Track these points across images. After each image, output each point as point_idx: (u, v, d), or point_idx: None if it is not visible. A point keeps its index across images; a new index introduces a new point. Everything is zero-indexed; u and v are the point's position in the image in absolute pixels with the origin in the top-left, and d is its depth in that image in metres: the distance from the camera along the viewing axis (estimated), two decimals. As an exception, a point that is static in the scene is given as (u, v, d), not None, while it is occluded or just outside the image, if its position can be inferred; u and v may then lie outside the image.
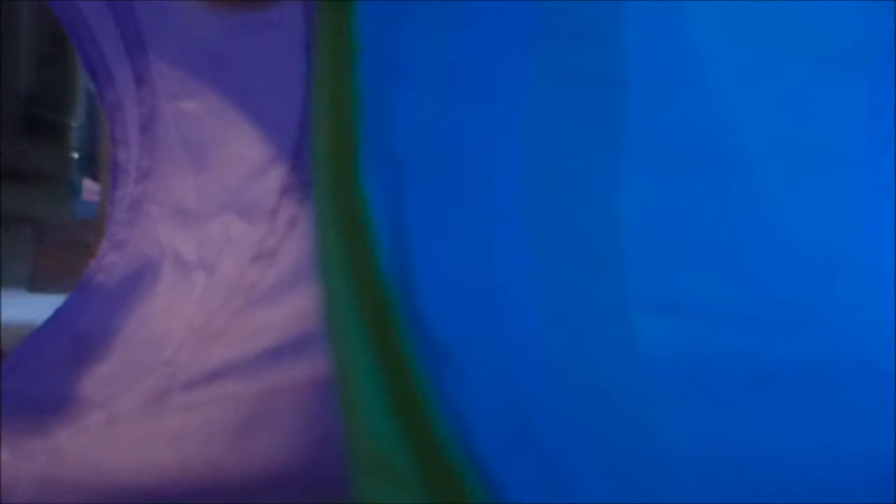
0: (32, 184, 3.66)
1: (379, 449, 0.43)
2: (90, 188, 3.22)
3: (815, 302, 0.46)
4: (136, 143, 0.92)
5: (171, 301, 0.79)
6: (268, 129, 0.78)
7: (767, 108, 0.49)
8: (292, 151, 0.76)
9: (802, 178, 0.48)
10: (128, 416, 0.69)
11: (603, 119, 0.50)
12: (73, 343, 0.87)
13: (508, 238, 0.48)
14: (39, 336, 0.92)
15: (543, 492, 0.43)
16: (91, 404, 0.71)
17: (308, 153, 0.62)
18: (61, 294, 2.87)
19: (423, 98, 0.45)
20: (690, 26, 0.48)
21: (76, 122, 3.32)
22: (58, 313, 0.93)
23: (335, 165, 0.44)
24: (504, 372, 0.45)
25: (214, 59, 0.80)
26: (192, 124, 0.85)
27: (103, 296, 0.89)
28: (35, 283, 2.91)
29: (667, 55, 0.49)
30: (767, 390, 0.45)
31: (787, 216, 0.47)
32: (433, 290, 0.43)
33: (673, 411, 0.46)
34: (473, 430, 0.42)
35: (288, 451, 0.67)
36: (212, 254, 0.78)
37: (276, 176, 0.76)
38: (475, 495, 0.41)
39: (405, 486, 0.43)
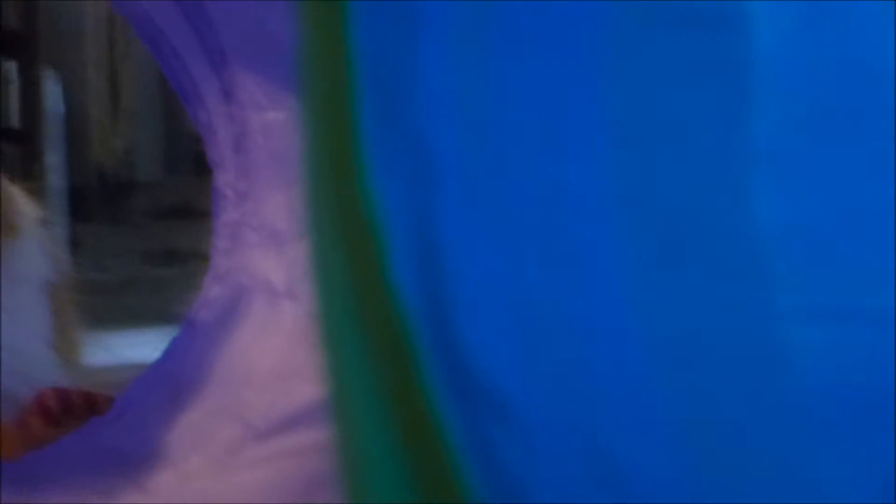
0: (205, 221, 3.72)
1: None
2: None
3: None
4: (231, 163, 0.85)
5: (260, 336, 0.70)
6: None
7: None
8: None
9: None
10: (198, 474, 0.60)
11: (720, 73, 0.36)
12: (172, 388, 0.80)
13: (595, 243, 0.34)
14: (144, 380, 0.85)
15: None
16: (165, 460, 0.63)
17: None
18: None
19: (458, 56, 0.33)
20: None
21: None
22: (164, 355, 0.86)
23: (327, 150, 0.32)
24: (591, 431, 0.32)
25: (290, 60, 0.71)
26: (279, 136, 0.76)
27: (201, 334, 0.82)
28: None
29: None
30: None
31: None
32: (480, 319, 0.31)
33: (846, 450, 0.32)
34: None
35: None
36: (300, 280, 0.69)
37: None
38: None
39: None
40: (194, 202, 4.02)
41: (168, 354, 0.86)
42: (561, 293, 0.33)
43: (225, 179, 0.87)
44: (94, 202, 4.00)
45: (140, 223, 3.94)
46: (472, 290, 0.32)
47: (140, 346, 2.28)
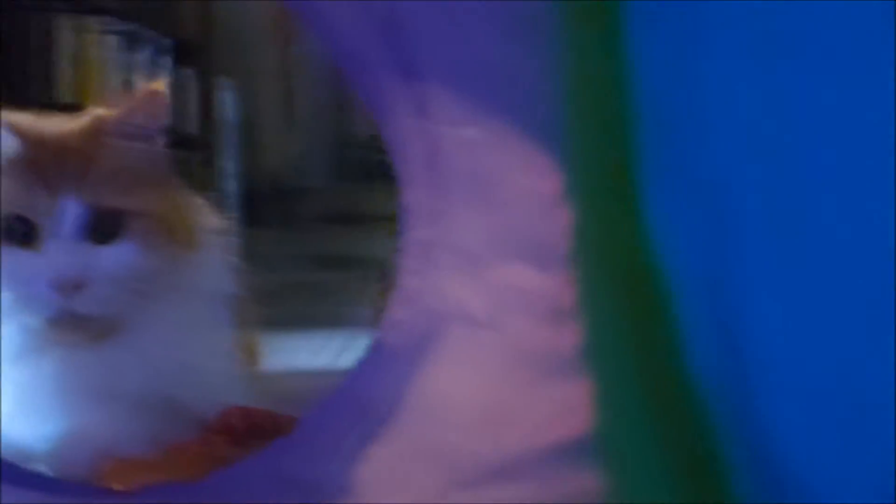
0: (372, 227, 3.74)
1: None
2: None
3: None
4: (422, 180, 0.81)
5: (458, 369, 0.66)
6: (555, 155, 0.62)
7: None
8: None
9: None
10: (397, 522, 0.56)
11: None
12: (359, 413, 0.76)
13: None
14: (329, 404, 0.82)
15: None
16: (355, 498, 0.59)
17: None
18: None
19: (748, 80, 0.28)
20: None
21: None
22: (349, 377, 0.83)
23: (598, 185, 0.28)
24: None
25: (488, 76, 0.66)
26: (476, 154, 0.71)
27: (391, 359, 0.78)
28: (378, 323, 2.94)
29: None
30: None
31: None
32: (791, 390, 0.26)
33: None
34: None
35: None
36: (501, 310, 0.64)
37: (571, 214, 0.60)
38: None
39: None
40: (363, 208, 4.05)
41: (354, 378, 0.83)
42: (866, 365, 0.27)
43: (415, 196, 0.83)
44: (266, 207, 4.08)
45: (311, 228, 4.00)
46: (779, 357, 0.27)
47: (311, 351, 2.29)
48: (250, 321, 1.17)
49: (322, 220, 4.04)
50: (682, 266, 0.27)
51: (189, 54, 3.75)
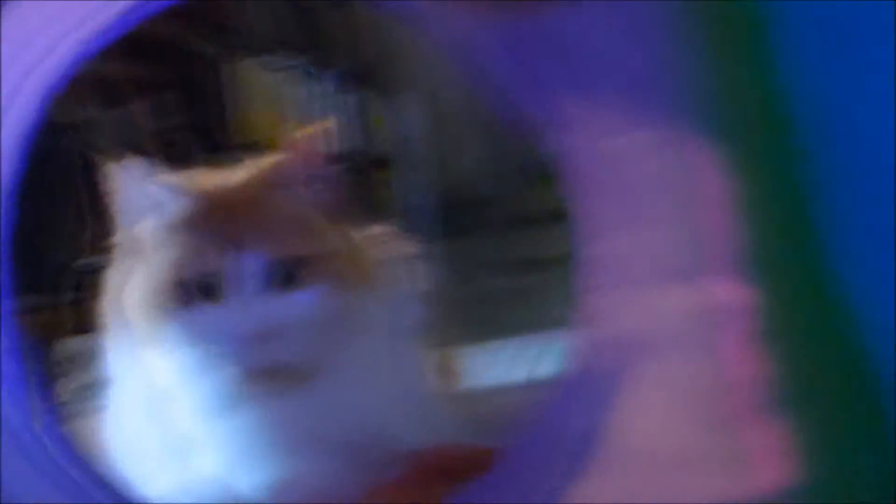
0: (539, 229, 3.67)
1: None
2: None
3: None
4: (593, 193, 0.77)
5: (654, 400, 0.61)
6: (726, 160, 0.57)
7: None
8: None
9: None
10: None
11: None
12: (559, 452, 0.73)
13: None
14: (527, 438, 0.79)
15: None
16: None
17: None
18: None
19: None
20: None
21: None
22: (545, 409, 0.80)
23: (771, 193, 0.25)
24: None
25: (650, 82, 0.61)
26: (625, 168, 0.67)
27: (584, 387, 0.74)
28: (560, 327, 2.89)
29: None
30: None
31: None
32: None
33: None
34: None
35: None
36: (696, 330, 0.59)
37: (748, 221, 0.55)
38: None
39: None
40: (558, 206, 4.01)
41: (551, 407, 0.79)
42: None
43: (582, 210, 0.79)
44: (456, 217, 4.09)
45: (506, 232, 3.98)
46: None
47: (512, 361, 2.27)
48: (446, 340, 1.15)
49: (517, 222, 4.02)
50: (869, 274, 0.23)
51: (369, 76, 3.80)
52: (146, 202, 0.88)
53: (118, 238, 0.93)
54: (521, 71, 0.71)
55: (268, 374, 0.87)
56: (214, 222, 0.87)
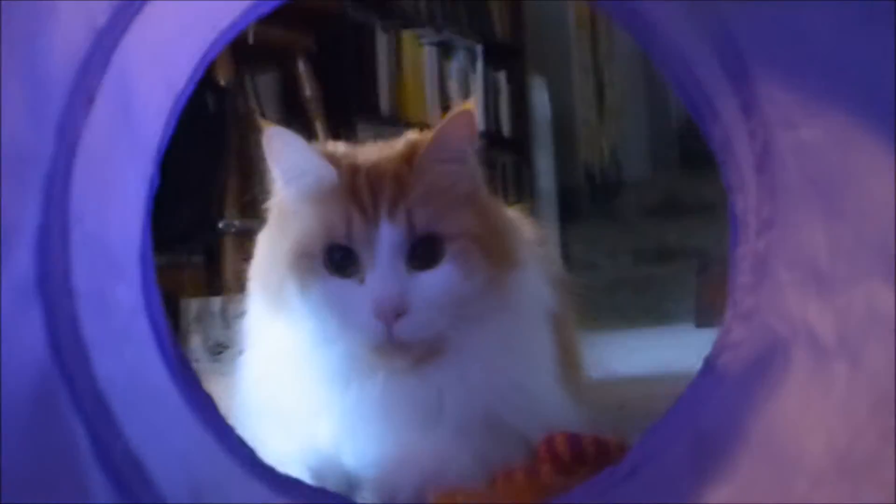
0: (693, 216, 3.63)
1: None
2: (749, 215, 3.06)
3: None
4: (752, 186, 0.73)
5: (806, 402, 0.58)
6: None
7: None
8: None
9: None
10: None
11: None
12: (694, 445, 0.70)
13: None
14: (661, 430, 0.76)
15: None
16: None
17: None
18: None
19: None
20: None
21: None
22: (680, 402, 0.77)
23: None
24: None
25: (826, 73, 0.58)
26: (816, 158, 0.63)
27: (728, 384, 0.71)
28: (701, 317, 2.84)
29: None
30: None
31: None
32: None
33: None
34: None
35: None
36: (857, 337, 0.55)
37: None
38: None
39: None
40: (681, 198, 3.94)
41: (687, 402, 0.77)
42: None
43: (745, 204, 0.76)
44: (583, 203, 4.06)
45: (629, 221, 3.93)
46: None
47: (635, 349, 2.23)
48: (573, 330, 1.13)
49: (640, 212, 3.97)
50: None
51: (500, 57, 3.80)
52: (298, 169, 0.88)
53: (270, 203, 0.93)
54: (720, 53, 0.68)
55: (393, 351, 0.86)
56: (357, 195, 0.86)
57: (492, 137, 3.51)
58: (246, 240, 2.86)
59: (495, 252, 0.91)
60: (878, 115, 0.54)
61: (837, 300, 0.58)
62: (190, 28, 0.73)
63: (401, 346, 0.87)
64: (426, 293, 0.87)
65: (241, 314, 0.97)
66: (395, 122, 3.12)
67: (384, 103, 3.15)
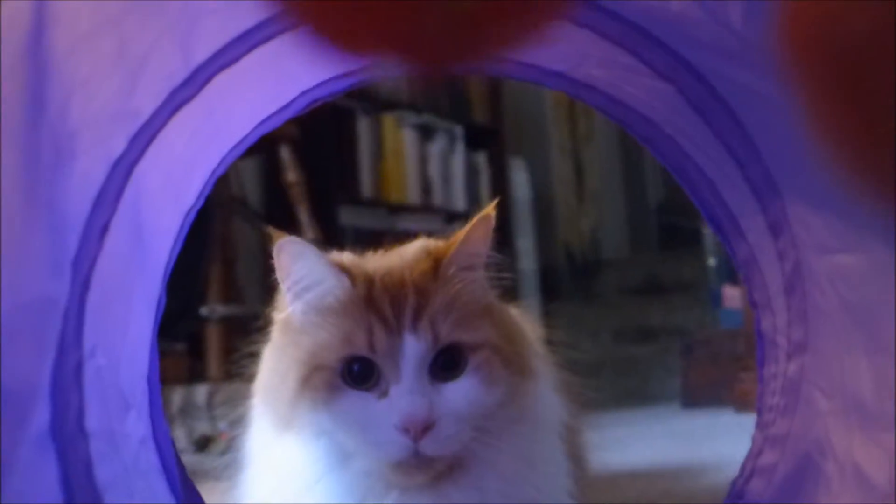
0: (673, 295, 3.63)
1: None
2: (731, 295, 3.07)
3: None
4: (781, 306, 0.72)
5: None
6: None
7: None
8: None
9: None
10: None
11: None
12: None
13: None
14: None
15: None
16: None
17: None
18: (713, 408, 2.70)
19: None
20: None
21: (708, 229, 3.21)
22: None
23: None
24: None
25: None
26: (855, 285, 0.61)
27: (757, 498, 0.69)
28: (687, 398, 2.82)
29: None
30: None
31: None
32: None
33: None
34: None
35: None
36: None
37: None
38: None
39: None
40: (660, 277, 3.94)
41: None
42: None
43: (772, 323, 0.74)
44: (564, 282, 4.05)
45: (609, 301, 3.93)
46: None
47: (623, 435, 2.20)
48: (583, 436, 1.10)
49: (620, 292, 3.96)
50: None
51: (480, 139, 3.82)
52: (310, 280, 0.85)
53: (279, 316, 0.90)
54: (747, 172, 0.67)
55: (415, 467, 0.83)
56: (377, 306, 0.83)
57: (471, 219, 3.50)
58: (229, 326, 2.78)
59: (514, 361, 0.88)
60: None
61: (887, 439, 0.56)
62: (204, 148, 0.71)
63: (423, 462, 0.84)
64: (450, 406, 0.84)
65: (249, 430, 0.94)
66: (377, 205, 3.10)
67: (366, 186, 3.14)
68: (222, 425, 2.15)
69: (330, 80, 0.76)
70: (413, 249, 0.92)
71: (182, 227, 0.74)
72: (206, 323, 2.34)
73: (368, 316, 0.83)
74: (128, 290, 0.67)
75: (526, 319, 1.05)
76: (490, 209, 0.88)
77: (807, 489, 0.64)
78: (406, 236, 0.98)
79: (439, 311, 0.83)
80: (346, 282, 0.86)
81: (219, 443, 1.96)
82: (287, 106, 0.76)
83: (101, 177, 0.57)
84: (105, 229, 0.59)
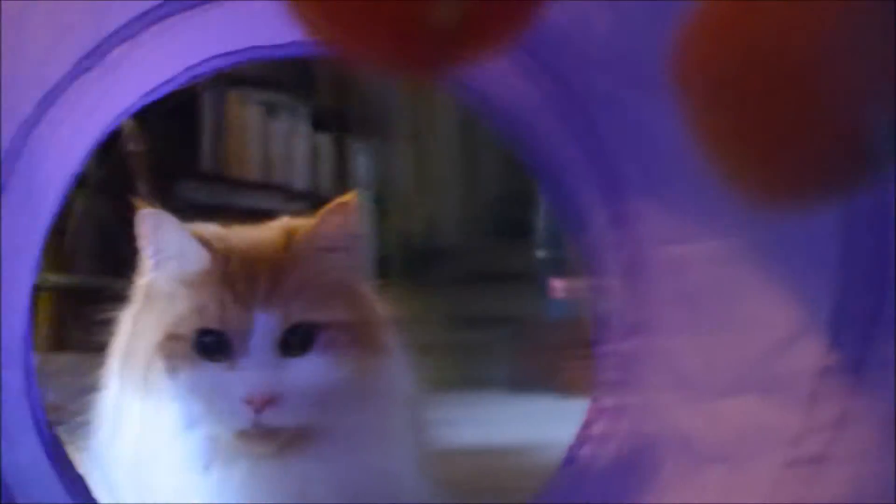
0: (504, 284, 3.74)
1: None
2: (558, 287, 3.20)
3: None
4: (619, 291, 0.80)
5: (678, 499, 0.63)
6: (794, 286, 0.60)
7: None
8: (830, 320, 0.57)
9: None
10: None
11: None
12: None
13: None
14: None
15: None
16: None
17: (854, 321, 0.44)
18: (538, 394, 2.80)
19: None
20: None
21: (540, 222, 3.33)
22: (544, 492, 0.82)
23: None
24: None
25: (709, 196, 0.64)
26: (690, 274, 0.69)
27: (593, 476, 0.76)
28: (514, 383, 2.93)
29: None
30: None
31: None
32: None
33: None
34: None
35: None
36: (732, 444, 0.61)
37: (810, 351, 0.57)
38: None
39: None
40: (494, 267, 4.05)
41: (550, 491, 0.81)
42: None
43: (610, 307, 0.82)
44: (399, 270, 4.11)
45: (445, 289, 4.01)
46: None
47: (454, 417, 2.28)
48: (427, 409, 1.16)
49: (456, 280, 4.05)
50: None
51: (325, 120, 3.82)
52: (171, 251, 0.87)
53: (141, 282, 0.92)
54: (593, 163, 0.73)
55: (259, 437, 0.86)
56: (233, 280, 0.86)
57: (313, 199, 3.52)
58: (60, 296, 2.72)
59: (366, 341, 0.92)
60: (755, 236, 0.61)
61: (711, 409, 0.64)
62: (91, 115, 0.73)
63: (267, 433, 0.87)
64: (297, 381, 0.87)
65: (103, 392, 0.95)
66: (217, 180, 3.09)
67: (206, 161, 3.11)
68: (51, 395, 2.10)
69: (214, 57, 0.80)
70: (274, 228, 0.95)
71: (64, 191, 0.76)
72: (37, 292, 2.28)
73: (223, 290, 0.86)
74: (14, 252, 0.69)
75: (380, 299, 1.09)
76: (351, 195, 0.92)
77: (637, 458, 0.72)
78: (245, 213, 1.01)
79: (292, 289, 0.87)
80: (204, 255, 0.89)
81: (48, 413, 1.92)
82: (171, 80, 0.79)
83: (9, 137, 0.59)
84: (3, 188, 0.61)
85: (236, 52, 0.80)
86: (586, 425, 0.81)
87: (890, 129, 0.31)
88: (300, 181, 3.51)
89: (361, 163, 3.85)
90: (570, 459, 0.81)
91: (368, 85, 4.01)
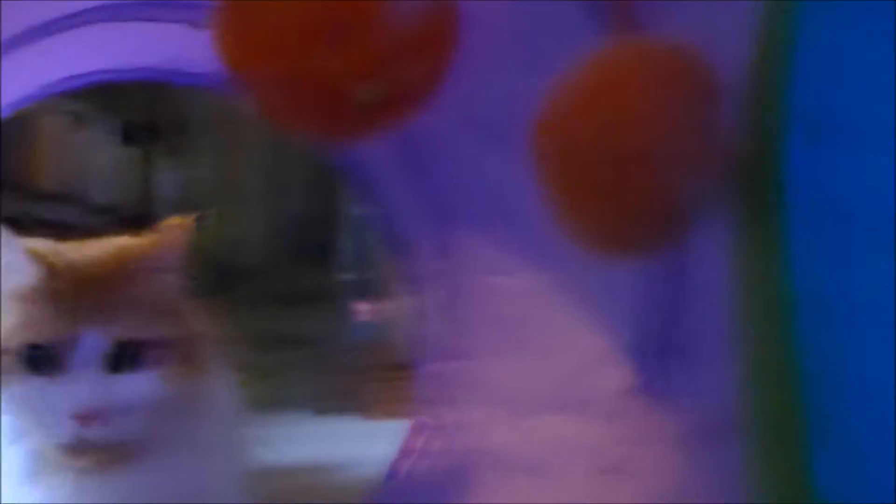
0: (308, 306, 3.76)
1: None
2: (362, 309, 3.25)
3: None
4: (441, 317, 0.85)
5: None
6: (600, 316, 0.67)
7: None
8: (631, 347, 0.65)
9: None
10: None
11: None
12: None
13: None
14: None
15: None
16: None
17: (652, 349, 0.50)
18: (343, 415, 2.82)
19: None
20: None
21: (344, 245, 3.38)
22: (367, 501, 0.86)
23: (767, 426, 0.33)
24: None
25: (529, 234, 0.71)
26: (507, 303, 0.76)
27: (412, 490, 0.82)
28: (319, 405, 2.95)
29: None
30: None
31: None
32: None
33: None
34: None
35: None
36: (541, 457, 0.68)
37: (613, 374, 0.65)
38: None
39: None
40: (299, 287, 4.06)
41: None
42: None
43: (430, 330, 0.87)
44: (202, 289, 4.04)
45: (247, 309, 3.97)
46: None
47: (257, 429, 2.27)
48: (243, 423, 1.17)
49: (260, 300, 4.02)
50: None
51: (134, 135, 3.74)
52: (1, 265, 0.87)
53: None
54: (415, 196, 0.78)
55: (83, 452, 0.87)
56: (62, 296, 0.87)
57: (116, 213, 3.44)
58: None
59: (191, 358, 0.94)
60: (567, 271, 0.68)
61: (523, 425, 0.71)
62: None
63: (91, 447, 0.88)
64: (123, 397, 0.88)
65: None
66: (16, 191, 2.98)
67: (6, 171, 3.00)
68: None
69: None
70: (108, 246, 0.96)
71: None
72: None
73: (51, 305, 0.87)
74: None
75: (205, 318, 1.11)
76: (187, 219, 0.94)
77: (453, 470, 0.77)
78: (46, 225, 1.02)
79: (119, 306, 0.88)
80: (35, 270, 0.89)
81: None
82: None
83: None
84: None
85: (89, 73, 0.81)
86: (407, 441, 0.86)
87: (698, 197, 0.38)
88: (103, 195, 3.42)
89: (168, 178, 3.80)
90: (391, 473, 0.85)
91: (179, 102, 3.96)
